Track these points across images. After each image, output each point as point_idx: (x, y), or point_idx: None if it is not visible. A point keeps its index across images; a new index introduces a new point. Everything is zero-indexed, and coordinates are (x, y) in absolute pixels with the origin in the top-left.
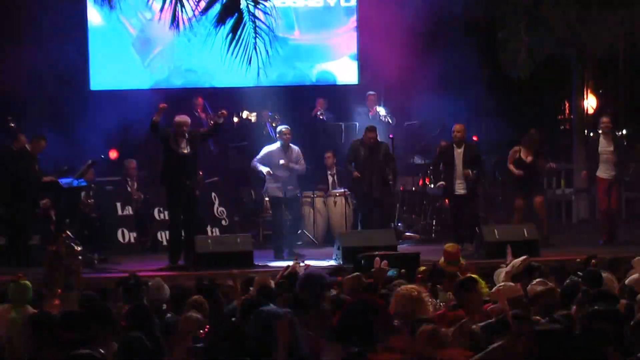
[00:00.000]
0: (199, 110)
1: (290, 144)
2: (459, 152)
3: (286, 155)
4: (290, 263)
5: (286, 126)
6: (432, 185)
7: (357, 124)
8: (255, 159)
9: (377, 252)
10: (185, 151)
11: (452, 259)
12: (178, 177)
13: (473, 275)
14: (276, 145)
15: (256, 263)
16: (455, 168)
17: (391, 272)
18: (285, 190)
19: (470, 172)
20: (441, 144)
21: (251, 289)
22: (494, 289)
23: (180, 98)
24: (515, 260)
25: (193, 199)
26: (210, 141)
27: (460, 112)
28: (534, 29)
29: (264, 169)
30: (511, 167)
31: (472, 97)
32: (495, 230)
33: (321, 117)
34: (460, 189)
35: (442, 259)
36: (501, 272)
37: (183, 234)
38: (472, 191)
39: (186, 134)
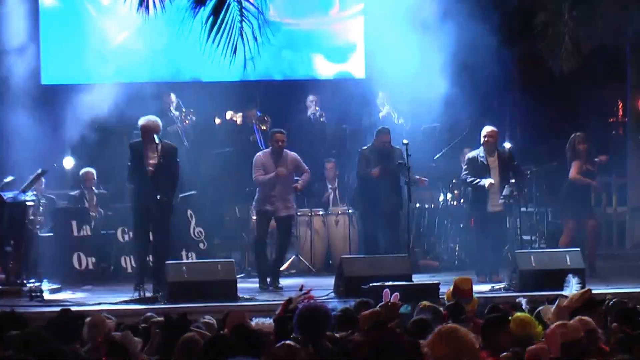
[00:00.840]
0: (171, 109)
1: (286, 150)
2: (492, 160)
3: (280, 164)
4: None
5: (280, 130)
6: (462, 199)
7: (365, 128)
8: (255, 175)
9: (387, 283)
10: (153, 161)
11: (464, 296)
12: (145, 191)
13: (523, 315)
14: (266, 152)
15: (241, 295)
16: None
17: (404, 308)
18: (275, 206)
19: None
20: (465, 152)
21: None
22: (549, 329)
23: (149, 94)
24: (574, 293)
25: (165, 217)
26: (183, 137)
27: (489, 113)
28: (581, 11)
29: (270, 175)
30: (579, 177)
31: (503, 96)
32: (532, 257)
33: (322, 119)
34: (495, 205)
35: (449, 293)
36: (549, 309)
37: (151, 259)
38: (510, 208)
39: (155, 139)
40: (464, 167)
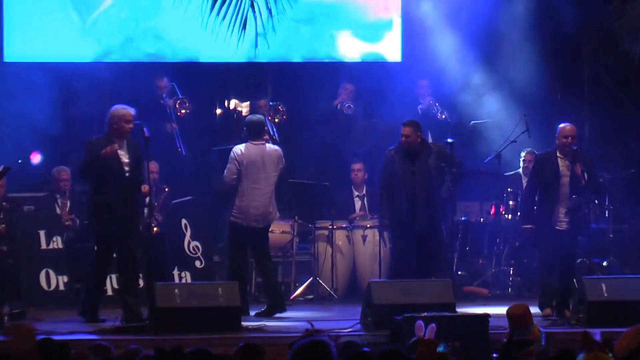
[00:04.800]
0: (163, 96)
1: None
2: (563, 167)
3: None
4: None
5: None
6: (519, 213)
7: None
8: None
9: (425, 314)
10: (126, 159)
11: (520, 327)
12: (110, 200)
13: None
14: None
15: (246, 325)
16: (558, 190)
17: (442, 347)
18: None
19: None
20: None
21: None
22: None
23: (138, 77)
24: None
25: (131, 233)
26: (178, 140)
27: (550, 109)
28: None
29: None
30: None
31: (571, 85)
32: (603, 285)
33: (347, 112)
34: (563, 221)
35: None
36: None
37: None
38: (581, 225)
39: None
40: (534, 170)
